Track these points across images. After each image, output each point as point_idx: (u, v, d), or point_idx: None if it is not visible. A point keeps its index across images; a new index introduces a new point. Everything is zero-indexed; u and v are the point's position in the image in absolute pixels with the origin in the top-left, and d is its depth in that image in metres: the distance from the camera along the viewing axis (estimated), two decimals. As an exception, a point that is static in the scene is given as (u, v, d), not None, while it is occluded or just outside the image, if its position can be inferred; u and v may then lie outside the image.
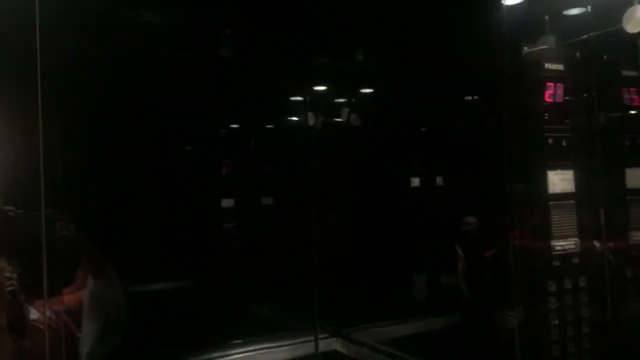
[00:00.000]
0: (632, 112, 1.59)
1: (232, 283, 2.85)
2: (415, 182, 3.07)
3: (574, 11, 1.62)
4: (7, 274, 1.38)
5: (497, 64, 1.67)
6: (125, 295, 1.99)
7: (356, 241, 2.90)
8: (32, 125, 1.31)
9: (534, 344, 1.56)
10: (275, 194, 3.04)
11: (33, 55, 1.30)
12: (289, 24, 2.41)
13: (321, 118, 2.76)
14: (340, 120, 2.88)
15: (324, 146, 2.74)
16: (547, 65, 1.54)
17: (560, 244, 1.53)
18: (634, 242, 1.57)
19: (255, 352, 2.39)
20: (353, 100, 3.04)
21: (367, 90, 3.13)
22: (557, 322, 1.53)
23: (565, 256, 1.54)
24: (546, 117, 1.54)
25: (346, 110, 2.88)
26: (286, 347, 2.47)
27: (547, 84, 1.54)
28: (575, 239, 1.54)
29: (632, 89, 1.57)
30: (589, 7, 1.56)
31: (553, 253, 1.53)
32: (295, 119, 3.06)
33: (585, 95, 1.61)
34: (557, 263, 1.53)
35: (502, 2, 1.62)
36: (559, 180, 1.53)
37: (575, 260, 1.55)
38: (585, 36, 1.58)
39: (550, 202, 1.52)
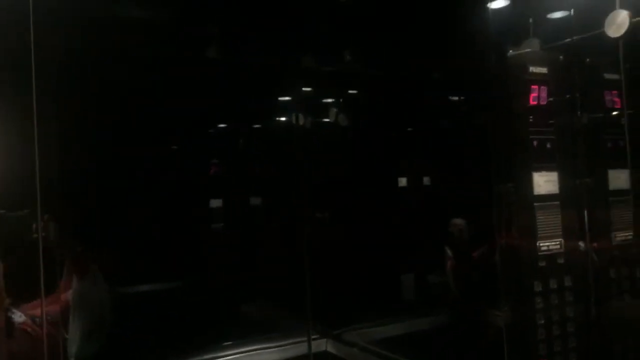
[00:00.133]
0: (614, 113, 1.61)
1: (223, 284, 2.85)
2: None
3: (558, 15, 1.64)
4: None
5: (483, 67, 1.68)
6: (109, 294, 2.00)
7: (346, 242, 2.91)
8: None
9: (521, 343, 1.58)
10: (265, 194, 3.04)
11: (27, 53, 1.29)
12: (285, 25, 2.40)
13: (310, 118, 2.77)
14: (328, 120, 2.89)
15: (314, 146, 2.75)
16: (532, 69, 1.56)
17: (546, 245, 1.55)
18: (617, 242, 1.60)
19: (245, 354, 2.39)
20: (341, 100, 3.05)
21: (355, 91, 3.14)
22: (543, 321, 1.55)
23: (551, 256, 1.56)
24: (531, 120, 1.56)
25: (335, 110, 2.89)
26: (277, 349, 2.48)
27: (532, 86, 1.56)
28: (560, 240, 1.56)
29: (614, 92, 1.60)
30: (572, 11, 1.58)
31: (539, 253, 1.55)
32: (283, 119, 3.07)
33: (568, 97, 1.63)
34: (542, 263, 1.55)
35: (488, 5, 1.64)
36: (544, 182, 1.55)
37: (561, 261, 1.57)
38: (569, 40, 1.60)
39: (536, 203, 1.54)
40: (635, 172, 1.49)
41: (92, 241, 2.07)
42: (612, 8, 1.34)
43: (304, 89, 2.87)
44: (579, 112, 1.64)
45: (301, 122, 2.74)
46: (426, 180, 3.12)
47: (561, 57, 1.63)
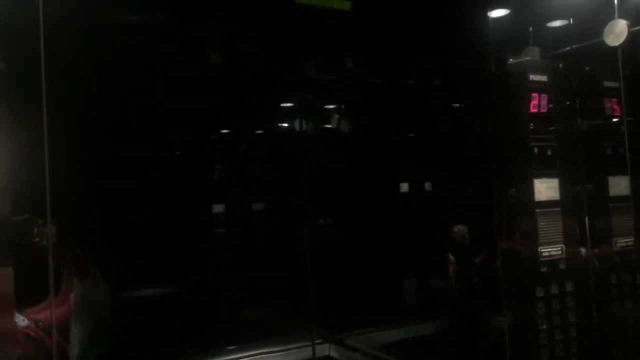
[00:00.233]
0: (614, 120, 1.63)
1: (225, 287, 2.85)
2: (427, 186, 3.11)
3: (557, 23, 1.66)
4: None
5: (484, 75, 1.70)
6: (110, 295, 2.00)
7: (348, 246, 2.92)
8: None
9: (523, 348, 1.59)
10: (267, 198, 3.05)
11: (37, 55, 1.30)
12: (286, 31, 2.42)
13: (311, 123, 2.80)
14: (330, 126, 2.91)
15: (316, 150, 2.77)
16: (532, 77, 1.58)
17: (547, 250, 1.57)
18: (618, 248, 1.61)
19: (248, 359, 2.40)
20: (342, 106, 3.07)
21: (357, 97, 3.16)
22: (545, 326, 1.56)
23: (552, 262, 1.57)
24: (531, 127, 1.58)
25: (336, 116, 2.91)
26: (280, 353, 2.48)
27: (532, 94, 1.58)
28: (562, 246, 1.58)
29: (614, 99, 1.62)
30: (571, 20, 1.61)
31: (540, 259, 1.56)
32: (285, 124, 3.08)
33: (568, 104, 1.65)
34: (544, 269, 1.56)
35: (488, 14, 1.66)
36: (545, 189, 1.57)
37: (562, 266, 1.58)
38: (568, 48, 1.62)
39: (537, 210, 1.56)
40: (635, 178, 1.51)
41: (92, 243, 2.08)
42: (610, 17, 1.36)
43: (305, 95, 2.89)
44: (579, 120, 1.66)
45: (304, 127, 2.76)
46: (428, 186, 3.14)
47: (561, 65, 1.65)
